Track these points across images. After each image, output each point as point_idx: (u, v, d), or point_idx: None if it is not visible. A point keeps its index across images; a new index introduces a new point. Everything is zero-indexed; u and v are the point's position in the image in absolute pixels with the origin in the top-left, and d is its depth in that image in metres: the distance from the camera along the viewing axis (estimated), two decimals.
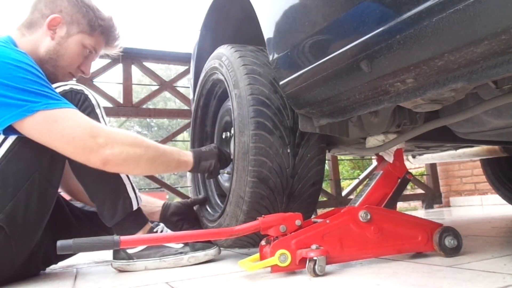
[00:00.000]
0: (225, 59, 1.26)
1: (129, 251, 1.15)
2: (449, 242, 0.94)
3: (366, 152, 1.49)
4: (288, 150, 1.11)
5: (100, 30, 1.23)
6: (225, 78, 1.26)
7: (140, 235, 1.13)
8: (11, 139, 1.01)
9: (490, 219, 2.07)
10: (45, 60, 1.17)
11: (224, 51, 1.30)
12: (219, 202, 1.52)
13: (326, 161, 3.47)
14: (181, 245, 1.18)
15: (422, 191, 3.75)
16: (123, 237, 0.87)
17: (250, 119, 1.10)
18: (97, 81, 2.88)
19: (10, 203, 0.98)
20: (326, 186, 3.63)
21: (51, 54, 1.17)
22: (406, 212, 1.47)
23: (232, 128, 1.22)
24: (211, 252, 1.20)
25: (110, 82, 3.37)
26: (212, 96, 1.57)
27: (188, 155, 1.23)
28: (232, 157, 1.27)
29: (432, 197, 3.75)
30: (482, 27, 0.55)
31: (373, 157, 3.53)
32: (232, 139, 1.29)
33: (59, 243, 0.83)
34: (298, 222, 0.95)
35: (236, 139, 1.15)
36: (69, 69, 1.22)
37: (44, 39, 1.17)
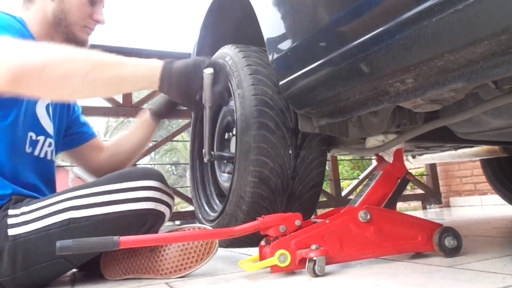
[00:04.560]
0: (229, 59, 1.26)
1: None
2: (449, 242, 0.94)
3: (366, 152, 1.49)
4: (290, 151, 1.11)
5: None
6: (228, 78, 1.26)
7: (139, 235, 1.13)
8: (57, 217, 0.97)
9: (490, 219, 2.07)
10: (56, 23, 1.16)
11: (228, 51, 1.30)
12: (217, 202, 1.52)
13: (326, 162, 3.46)
14: None
15: (422, 191, 3.75)
16: (122, 238, 0.87)
17: (253, 119, 1.10)
18: None
19: (22, 272, 0.96)
20: (326, 186, 3.63)
21: (57, 14, 1.16)
22: (406, 212, 1.47)
23: (234, 128, 1.22)
24: None
25: None
26: None
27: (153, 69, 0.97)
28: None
29: (432, 197, 3.75)
30: (482, 27, 0.55)
31: (373, 157, 3.53)
32: (233, 139, 1.28)
33: (58, 243, 0.82)
34: (297, 222, 0.95)
35: (238, 139, 1.15)
36: (82, 23, 1.19)
37: (46, 3, 1.16)
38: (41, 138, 1.16)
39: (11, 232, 0.95)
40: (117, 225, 0.98)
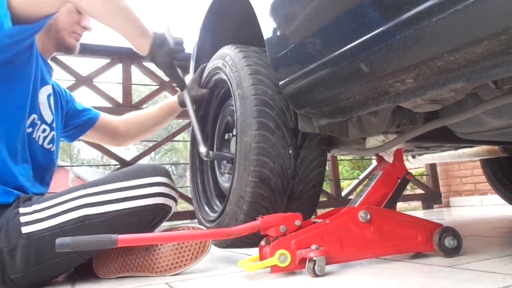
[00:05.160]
0: (229, 59, 1.26)
1: None
2: (449, 242, 0.94)
3: (366, 152, 1.49)
4: (290, 151, 1.11)
5: None
6: (228, 78, 1.26)
7: (137, 234, 1.14)
8: (72, 215, 1.01)
9: (490, 219, 2.07)
10: (47, 28, 1.23)
11: (228, 51, 1.30)
12: (217, 202, 1.52)
13: (326, 161, 3.46)
14: None
15: (422, 191, 3.75)
16: (120, 236, 0.87)
17: (253, 119, 1.10)
18: (96, 81, 2.87)
19: (34, 268, 0.99)
20: (326, 186, 3.63)
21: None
22: (406, 212, 1.47)
23: (234, 128, 1.22)
24: None
25: (110, 82, 3.37)
26: (213, 96, 1.57)
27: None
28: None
29: (432, 197, 3.75)
30: (482, 27, 0.55)
31: (373, 157, 3.53)
32: (233, 139, 1.28)
33: (58, 240, 0.83)
34: (297, 222, 0.95)
35: (238, 139, 1.15)
36: (71, 29, 1.29)
37: None
38: (39, 122, 1.21)
39: (25, 230, 0.98)
40: (129, 220, 1.03)
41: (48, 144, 1.26)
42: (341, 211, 0.97)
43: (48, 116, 1.26)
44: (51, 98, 1.28)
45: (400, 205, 4.14)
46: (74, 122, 1.46)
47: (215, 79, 1.45)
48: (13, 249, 0.97)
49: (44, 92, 1.24)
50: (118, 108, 2.86)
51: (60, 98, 1.39)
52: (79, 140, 1.60)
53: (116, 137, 1.58)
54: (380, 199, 1.06)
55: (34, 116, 1.18)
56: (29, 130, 1.17)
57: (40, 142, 1.23)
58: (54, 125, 1.28)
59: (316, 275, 0.85)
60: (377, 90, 0.81)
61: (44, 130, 1.24)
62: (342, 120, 1.05)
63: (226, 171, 1.44)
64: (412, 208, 4.04)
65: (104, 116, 1.55)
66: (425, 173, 3.94)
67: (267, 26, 1.10)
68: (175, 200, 1.13)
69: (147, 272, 1.06)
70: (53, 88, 1.34)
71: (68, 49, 1.31)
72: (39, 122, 1.21)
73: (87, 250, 1.00)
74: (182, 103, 1.55)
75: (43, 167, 1.25)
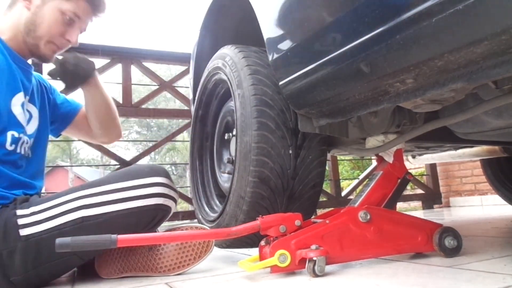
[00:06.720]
0: (229, 59, 1.26)
1: None
2: (449, 243, 0.94)
3: (365, 152, 1.49)
4: (290, 151, 1.11)
5: None
6: (228, 78, 1.26)
7: (137, 234, 1.14)
8: (70, 216, 1.00)
9: (490, 219, 2.07)
10: (26, 32, 1.16)
11: (228, 51, 1.30)
12: (217, 202, 1.52)
13: (326, 161, 3.45)
14: None
15: (422, 191, 3.75)
16: (120, 236, 0.87)
17: (253, 119, 1.10)
18: None
19: (33, 270, 0.98)
20: (326, 186, 3.63)
21: (28, 25, 1.15)
22: (406, 212, 1.47)
23: (234, 128, 1.22)
24: None
25: (110, 82, 3.37)
26: (213, 96, 1.57)
27: None
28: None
29: (432, 198, 3.75)
30: (482, 27, 0.55)
31: (373, 158, 3.53)
32: (233, 139, 1.28)
33: (57, 241, 0.83)
34: (297, 223, 0.95)
35: (238, 139, 1.15)
36: (49, 38, 1.18)
37: (22, 12, 1.16)
38: (22, 135, 1.13)
39: (23, 232, 0.98)
40: (128, 221, 1.02)
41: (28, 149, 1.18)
42: (341, 211, 0.97)
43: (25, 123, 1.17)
44: (25, 104, 1.18)
45: (400, 205, 4.14)
46: (57, 113, 1.36)
47: (215, 79, 1.45)
48: (12, 252, 0.97)
49: (17, 103, 1.13)
50: (118, 108, 2.86)
51: (46, 90, 1.32)
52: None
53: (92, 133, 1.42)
54: (380, 199, 1.06)
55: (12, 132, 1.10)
56: (12, 147, 1.10)
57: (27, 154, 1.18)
58: (35, 129, 1.21)
59: (316, 275, 0.85)
60: (377, 90, 0.81)
61: (27, 141, 1.17)
62: (342, 120, 1.05)
63: (226, 171, 1.44)
64: (412, 208, 4.04)
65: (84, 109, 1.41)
66: (425, 173, 3.94)
67: (267, 26, 1.10)
68: (175, 201, 1.12)
69: (150, 272, 1.06)
70: (38, 82, 1.28)
71: (40, 59, 1.21)
72: (22, 136, 1.14)
73: (86, 251, 0.99)
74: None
75: (37, 169, 1.22)
